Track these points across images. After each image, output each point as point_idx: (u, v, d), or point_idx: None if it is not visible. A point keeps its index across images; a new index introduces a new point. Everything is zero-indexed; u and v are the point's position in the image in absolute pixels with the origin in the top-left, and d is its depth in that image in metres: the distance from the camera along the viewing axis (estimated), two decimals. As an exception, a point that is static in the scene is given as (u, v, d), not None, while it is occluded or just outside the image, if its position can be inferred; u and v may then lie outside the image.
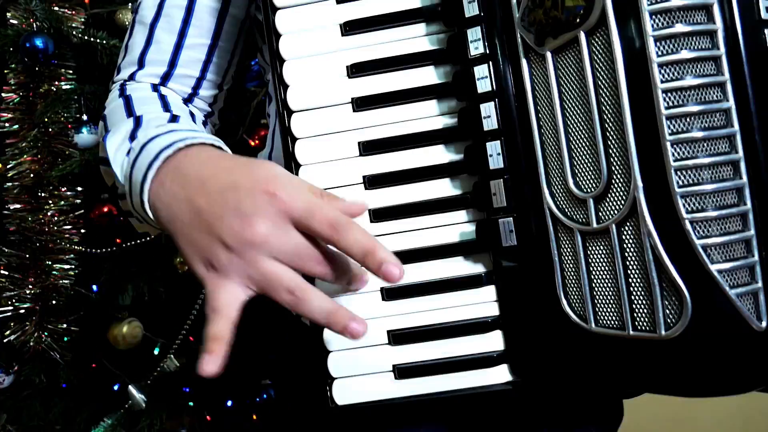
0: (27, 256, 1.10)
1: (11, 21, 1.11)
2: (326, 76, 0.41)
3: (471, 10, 0.38)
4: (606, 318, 0.34)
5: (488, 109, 0.37)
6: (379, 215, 0.41)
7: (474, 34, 0.37)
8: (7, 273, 1.09)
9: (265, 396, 1.30)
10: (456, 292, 0.40)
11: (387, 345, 0.40)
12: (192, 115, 0.53)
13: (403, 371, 0.40)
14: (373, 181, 0.41)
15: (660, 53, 0.30)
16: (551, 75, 0.34)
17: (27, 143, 1.11)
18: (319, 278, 0.37)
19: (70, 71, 1.13)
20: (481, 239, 0.38)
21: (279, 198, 0.35)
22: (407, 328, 0.40)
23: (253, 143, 1.13)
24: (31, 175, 1.10)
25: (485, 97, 0.37)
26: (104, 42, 1.11)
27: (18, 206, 1.10)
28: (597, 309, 0.34)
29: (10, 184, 1.09)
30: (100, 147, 0.49)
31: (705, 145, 0.31)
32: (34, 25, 1.03)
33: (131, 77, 0.55)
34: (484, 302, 0.40)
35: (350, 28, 0.41)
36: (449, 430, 0.46)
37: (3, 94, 1.12)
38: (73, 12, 1.14)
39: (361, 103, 0.41)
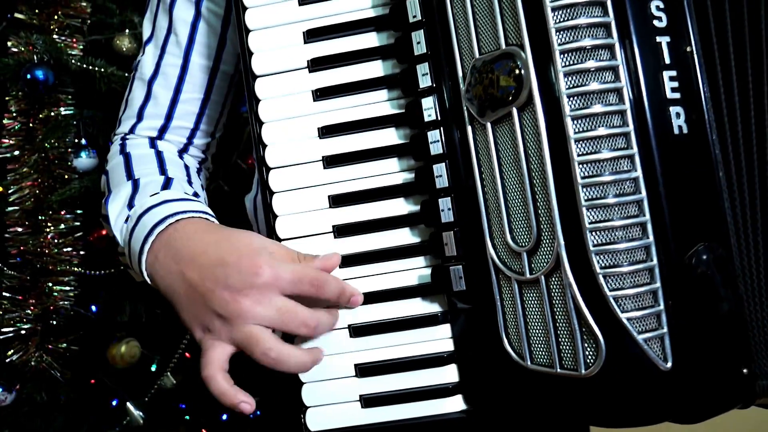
0: (28, 278, 1.13)
1: (12, 49, 1.15)
2: (299, 136, 0.46)
3: (425, 81, 0.42)
4: (539, 356, 0.38)
5: (440, 170, 0.42)
6: (347, 261, 0.45)
7: (427, 103, 0.42)
8: (8, 295, 1.13)
9: (258, 412, 1.33)
10: (415, 330, 0.45)
11: (354, 377, 0.45)
12: (186, 168, 0.58)
13: (369, 400, 0.45)
14: (341, 231, 0.45)
15: (576, 131, 0.35)
16: (491, 142, 0.39)
17: (28, 168, 1.15)
18: (302, 336, 0.43)
19: (69, 97, 1.18)
20: (435, 283, 0.43)
21: (263, 273, 0.41)
22: (372, 362, 0.45)
23: (245, 166, 1.17)
24: (32, 199, 1.14)
25: (437, 159, 0.42)
26: (102, 70, 1.15)
27: (19, 229, 1.14)
28: (532, 348, 0.39)
29: (11, 207, 1.13)
30: (102, 207, 0.54)
31: (617, 209, 0.35)
32: (35, 57, 1.07)
33: (131, 130, 0.60)
34: (440, 339, 0.44)
35: (321, 94, 0.46)
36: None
37: (4, 121, 1.17)
38: (73, 40, 1.18)
39: (331, 161, 0.46)
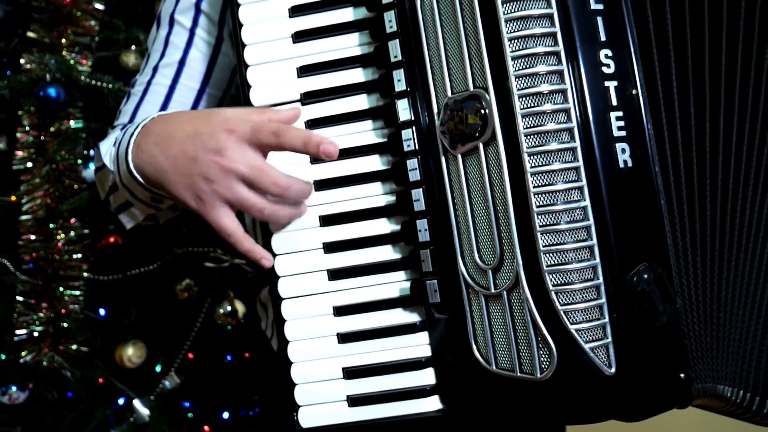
0: (40, 282, 1.18)
1: (25, 66, 1.21)
2: (294, 162, 0.51)
3: (404, 115, 0.47)
4: (503, 362, 0.43)
5: (418, 194, 0.47)
6: (336, 275, 0.50)
7: (407, 134, 0.47)
8: (22, 299, 1.17)
9: (258, 410, 1.38)
10: (397, 337, 0.49)
11: (342, 379, 0.50)
12: None
13: (355, 400, 0.50)
14: (330, 248, 0.50)
15: (533, 165, 0.40)
16: (461, 172, 0.44)
17: (39, 179, 1.19)
18: (276, 196, 0.47)
19: (78, 111, 1.23)
20: (414, 296, 0.48)
21: (235, 132, 0.46)
22: (358, 365, 0.50)
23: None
24: (44, 208, 1.19)
25: (415, 185, 0.47)
26: (110, 86, 1.20)
27: (32, 237, 1.18)
28: (497, 354, 0.43)
29: (24, 216, 1.18)
30: (96, 157, 0.59)
31: (568, 234, 0.40)
32: (48, 75, 1.12)
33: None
34: (419, 345, 0.49)
35: (313, 124, 0.51)
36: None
37: (17, 135, 1.22)
38: (82, 57, 1.23)
39: (322, 184, 0.51)
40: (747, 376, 0.47)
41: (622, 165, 0.41)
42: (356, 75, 0.51)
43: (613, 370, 0.40)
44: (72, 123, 1.20)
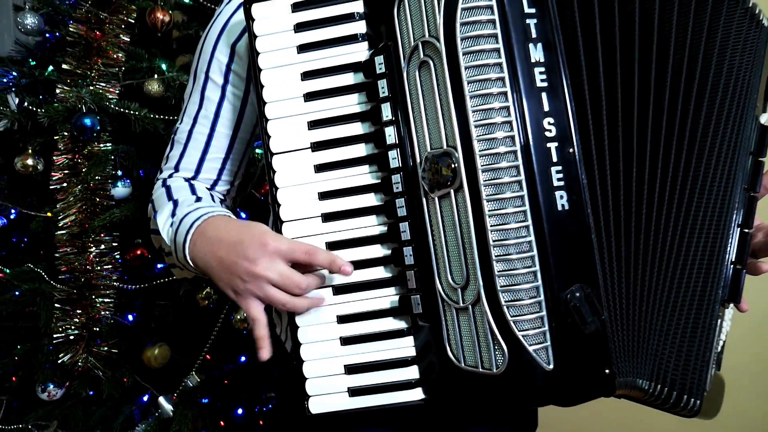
0: (75, 291, 1.28)
1: (60, 95, 1.32)
2: (305, 199, 0.63)
3: (394, 163, 0.59)
4: (469, 360, 0.55)
5: (404, 227, 0.59)
6: (339, 290, 0.62)
7: (396, 178, 0.59)
8: (59, 306, 1.28)
9: (270, 406, 1.47)
10: (388, 340, 0.61)
11: (344, 374, 0.61)
12: (212, 196, 0.76)
13: (354, 391, 0.61)
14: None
15: (490, 209, 0.52)
16: (437, 211, 0.56)
17: (73, 198, 1.31)
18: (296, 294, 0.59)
19: (107, 135, 1.34)
20: (401, 307, 0.60)
21: (269, 245, 0.58)
22: (357, 363, 0.61)
23: (259, 196, 1.33)
24: (77, 224, 1.29)
25: (402, 219, 0.59)
26: (136, 113, 1.32)
27: (67, 250, 1.29)
28: (465, 354, 0.55)
29: (60, 231, 1.28)
30: (151, 222, 0.71)
31: (517, 261, 0.52)
32: (83, 106, 1.24)
33: (170, 176, 0.77)
34: (406, 347, 0.61)
35: (320, 168, 0.62)
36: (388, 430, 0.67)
37: (54, 157, 1.33)
38: (111, 87, 1.35)
39: (327, 217, 0.62)
40: (663, 373, 0.58)
41: (560, 208, 0.53)
42: (356, 128, 0.62)
43: (551, 366, 0.52)
44: (102, 146, 1.32)
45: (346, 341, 0.62)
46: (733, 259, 0.64)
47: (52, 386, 1.28)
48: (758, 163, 0.67)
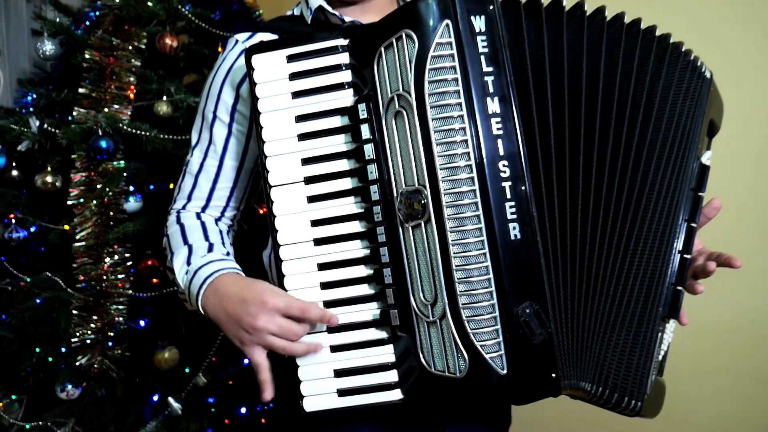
0: (91, 299, 1.38)
1: (77, 117, 1.42)
2: (299, 226, 0.72)
3: (374, 197, 0.69)
4: (438, 365, 0.64)
5: (384, 251, 0.68)
6: (331, 305, 0.71)
7: (376, 209, 0.69)
8: (76, 312, 1.37)
9: (271, 405, 1.56)
10: (372, 348, 0.70)
11: (333, 378, 0.71)
12: (221, 232, 0.85)
13: (342, 392, 0.71)
14: (325, 286, 0.71)
15: (453, 239, 0.61)
16: (411, 238, 0.65)
17: (89, 212, 1.41)
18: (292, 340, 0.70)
19: (120, 153, 1.43)
20: (382, 320, 0.69)
21: (268, 303, 0.68)
22: (345, 368, 0.70)
23: (261, 211, 1.43)
24: (93, 237, 1.38)
25: (382, 244, 0.68)
26: (147, 133, 1.42)
27: (84, 260, 1.39)
28: (435, 361, 0.65)
29: (77, 243, 1.38)
30: (168, 260, 0.81)
31: (476, 282, 0.61)
32: (99, 130, 1.34)
33: (183, 207, 0.87)
34: (387, 354, 0.70)
35: (312, 199, 0.72)
36: (375, 427, 0.77)
37: (71, 175, 1.43)
38: (123, 110, 1.45)
39: (318, 241, 0.72)
40: (605, 377, 0.68)
41: (513, 238, 0.62)
42: (343, 165, 0.72)
43: (505, 371, 0.61)
44: (115, 164, 1.41)
45: (335, 349, 0.71)
46: (673, 281, 0.74)
47: (70, 386, 1.37)
48: (698, 197, 0.76)
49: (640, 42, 0.73)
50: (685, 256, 0.74)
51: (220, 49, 1.64)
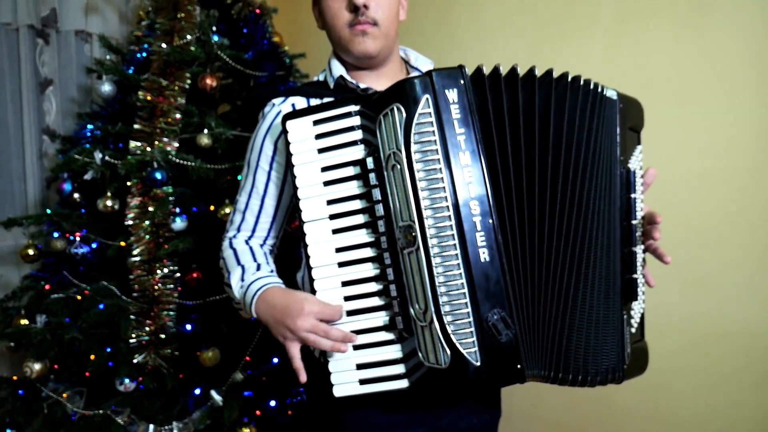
0: (145, 306, 1.59)
1: (133, 150, 1.65)
2: (326, 253, 0.93)
3: (380, 229, 0.89)
4: (431, 359, 0.84)
5: (389, 271, 0.89)
6: (350, 313, 0.91)
7: (383, 239, 0.89)
8: (133, 317, 1.58)
9: (298, 399, 1.75)
10: (384, 347, 0.90)
11: (355, 370, 0.91)
12: (265, 254, 1.07)
13: (362, 381, 0.90)
14: (347, 298, 0.92)
15: (436, 263, 0.82)
16: (408, 262, 0.85)
17: (143, 232, 1.63)
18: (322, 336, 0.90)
19: (169, 181, 1.65)
20: (390, 325, 0.90)
21: (305, 309, 0.89)
22: (364, 362, 0.90)
23: (290, 229, 1.63)
24: (146, 253, 1.60)
25: (388, 266, 0.89)
26: (192, 163, 1.65)
27: (139, 273, 1.60)
28: (428, 355, 0.84)
29: (133, 258, 1.60)
30: (225, 277, 1.03)
31: (455, 294, 0.82)
32: (155, 163, 1.57)
33: (234, 236, 1.09)
34: (396, 351, 0.90)
35: (336, 231, 0.93)
36: (389, 408, 0.97)
37: (128, 199, 1.66)
38: (170, 142, 1.68)
39: (341, 264, 0.93)
40: (559, 364, 0.87)
41: (483, 260, 0.82)
42: (357, 204, 0.92)
43: (479, 363, 0.81)
44: (165, 189, 1.64)
45: (356, 347, 0.92)
46: (626, 273, 0.92)
47: (127, 380, 1.58)
48: (630, 198, 0.92)
49: (569, 90, 0.89)
50: (631, 249, 0.91)
51: (252, 84, 1.88)
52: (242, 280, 0.99)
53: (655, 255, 0.99)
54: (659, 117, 1.64)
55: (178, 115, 1.68)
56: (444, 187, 0.83)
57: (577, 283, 0.89)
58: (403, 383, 0.90)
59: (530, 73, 0.89)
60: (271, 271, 1.03)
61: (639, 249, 0.95)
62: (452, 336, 0.82)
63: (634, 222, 0.94)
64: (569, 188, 0.88)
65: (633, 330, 0.96)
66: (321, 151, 0.93)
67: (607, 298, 0.91)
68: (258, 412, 1.71)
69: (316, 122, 0.93)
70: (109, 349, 1.60)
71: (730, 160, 1.58)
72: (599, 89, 0.93)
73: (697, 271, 1.64)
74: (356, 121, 0.92)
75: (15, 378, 1.74)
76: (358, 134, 0.92)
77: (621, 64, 1.73)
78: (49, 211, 1.70)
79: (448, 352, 0.82)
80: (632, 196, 0.93)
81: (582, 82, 0.91)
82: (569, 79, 0.90)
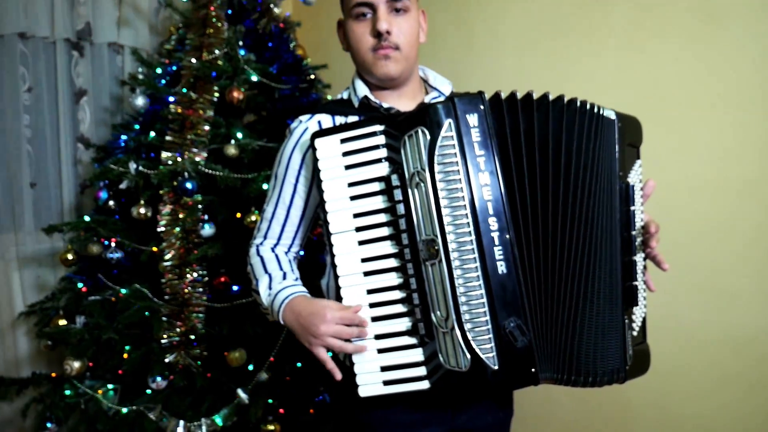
0: (176, 308, 1.67)
1: (165, 161, 1.74)
2: (352, 262, 1.00)
3: (404, 242, 0.96)
4: (452, 362, 0.91)
5: (413, 281, 0.95)
6: (375, 319, 0.98)
7: (406, 251, 0.95)
8: (165, 319, 1.67)
9: (320, 398, 1.82)
10: (406, 350, 0.97)
11: (379, 372, 0.98)
12: (290, 261, 1.14)
13: (386, 383, 0.97)
14: (372, 305, 0.99)
15: (457, 275, 0.88)
16: (430, 273, 0.92)
17: (174, 238, 1.72)
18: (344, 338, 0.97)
19: (198, 190, 1.75)
20: (413, 330, 0.96)
21: (327, 316, 0.96)
22: (387, 365, 0.97)
23: (312, 236, 1.71)
24: (177, 258, 1.68)
25: (411, 276, 0.95)
26: (220, 173, 1.73)
27: (170, 277, 1.69)
28: (449, 359, 0.91)
29: (165, 263, 1.68)
30: (252, 284, 1.10)
31: (475, 303, 0.88)
32: (186, 173, 1.66)
33: (261, 243, 1.16)
34: (417, 355, 0.96)
35: (360, 243, 1.00)
36: (409, 408, 1.04)
37: (159, 206, 1.75)
38: (199, 153, 1.76)
39: (367, 273, 1.00)
40: (569, 367, 0.93)
41: (500, 272, 0.89)
42: (382, 218, 0.98)
43: (496, 367, 0.88)
44: (195, 197, 1.73)
45: (380, 351, 0.98)
46: (626, 281, 0.97)
47: (159, 378, 1.66)
48: (629, 210, 0.97)
49: (577, 114, 0.94)
50: (631, 258, 0.96)
51: (277, 96, 1.95)
52: (269, 288, 1.07)
53: (654, 262, 1.04)
54: (669, 126, 1.69)
55: (206, 127, 1.77)
56: (465, 205, 0.90)
57: (584, 292, 0.95)
58: (425, 384, 0.96)
59: (544, 98, 0.95)
60: (296, 279, 1.10)
61: (639, 257, 1.00)
62: (472, 342, 0.89)
63: (633, 233, 0.99)
64: (576, 205, 0.94)
65: (635, 333, 1.02)
66: (348, 167, 1.00)
67: (610, 304, 0.96)
68: (281, 411, 1.78)
69: (343, 140, 1.00)
70: (141, 349, 1.68)
71: (740, 168, 1.62)
72: (600, 111, 0.97)
73: (704, 276, 1.68)
74: (381, 140, 0.99)
75: (54, 375, 1.83)
76: (382, 152, 0.99)
77: (632, 75, 1.78)
78: (87, 218, 1.79)
79: (468, 356, 0.89)
80: (631, 208, 0.98)
81: (587, 106, 0.96)
82: (578, 103, 0.95)
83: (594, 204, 0.95)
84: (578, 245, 0.93)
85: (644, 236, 1.01)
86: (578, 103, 0.95)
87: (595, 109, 0.97)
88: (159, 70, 1.95)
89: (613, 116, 0.98)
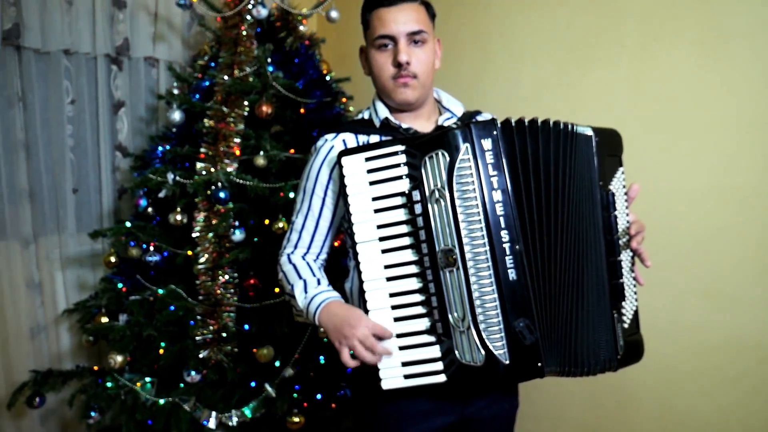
0: (209, 307, 1.79)
1: (199, 171, 1.87)
2: (375, 269, 1.11)
3: (424, 251, 1.07)
4: (467, 358, 1.02)
5: (431, 286, 1.06)
6: (397, 319, 1.09)
7: (425, 259, 1.06)
8: (199, 317, 1.81)
9: (342, 393, 1.94)
10: (425, 347, 1.08)
11: (400, 366, 1.09)
12: (320, 268, 1.26)
13: (407, 376, 1.08)
14: (394, 307, 1.10)
15: (473, 281, 0.99)
16: (448, 279, 1.03)
17: (208, 243, 1.85)
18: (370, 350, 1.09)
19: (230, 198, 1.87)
20: (431, 329, 1.07)
21: (362, 322, 1.07)
22: (408, 360, 1.08)
23: (336, 244, 1.82)
24: (210, 261, 1.81)
25: (430, 281, 1.06)
26: (250, 182, 1.86)
27: (204, 278, 1.82)
28: (464, 354, 1.02)
29: (199, 266, 1.81)
30: (287, 288, 1.22)
31: (489, 306, 0.99)
32: (219, 183, 1.78)
33: (291, 252, 1.28)
34: (435, 351, 1.07)
35: (383, 252, 1.11)
36: (425, 399, 1.15)
37: (194, 213, 1.89)
38: (231, 164, 1.89)
39: (389, 279, 1.11)
40: (568, 359, 1.03)
41: (511, 279, 0.99)
42: (402, 229, 1.09)
43: (508, 362, 0.99)
44: (227, 205, 1.86)
45: (401, 348, 1.10)
46: (612, 279, 1.06)
47: (193, 373, 1.80)
48: (610, 216, 1.05)
49: (561, 136, 1.02)
50: (616, 259, 1.05)
51: (303, 111, 2.07)
52: (305, 292, 1.18)
53: (640, 259, 1.12)
54: (679, 137, 1.76)
55: (237, 140, 1.89)
56: (480, 219, 1.01)
57: (577, 293, 1.04)
58: (441, 378, 1.07)
59: (546, 123, 1.05)
60: (328, 285, 1.21)
61: (625, 256, 1.09)
62: (486, 340, 1.00)
63: (616, 236, 1.07)
64: (565, 215, 1.03)
65: (626, 325, 1.10)
66: (372, 183, 1.11)
67: (599, 301, 1.05)
68: (305, 404, 1.91)
69: (368, 159, 1.12)
70: (176, 345, 1.81)
71: (745, 175, 1.67)
72: (573, 129, 1.04)
73: (708, 280, 1.75)
74: (402, 158, 1.10)
75: (96, 368, 1.97)
76: (404, 170, 1.10)
77: (644, 87, 1.84)
78: (128, 224, 1.92)
79: (483, 352, 1.00)
80: (613, 213, 1.06)
81: (561, 126, 1.04)
82: (561, 125, 1.04)
83: (578, 213, 1.04)
84: (569, 251, 1.03)
85: (632, 235, 1.09)
86: (551, 124, 1.04)
87: (569, 128, 1.05)
88: (194, 85, 2.07)
89: (589, 132, 1.06)
